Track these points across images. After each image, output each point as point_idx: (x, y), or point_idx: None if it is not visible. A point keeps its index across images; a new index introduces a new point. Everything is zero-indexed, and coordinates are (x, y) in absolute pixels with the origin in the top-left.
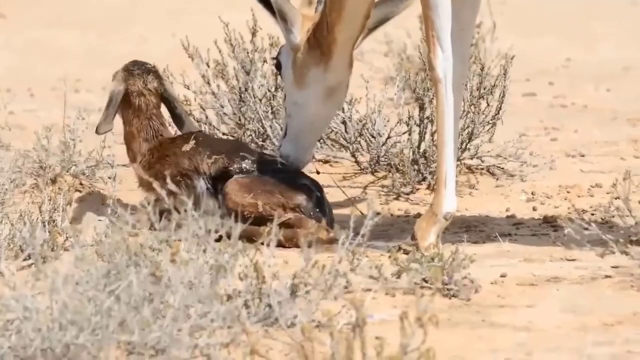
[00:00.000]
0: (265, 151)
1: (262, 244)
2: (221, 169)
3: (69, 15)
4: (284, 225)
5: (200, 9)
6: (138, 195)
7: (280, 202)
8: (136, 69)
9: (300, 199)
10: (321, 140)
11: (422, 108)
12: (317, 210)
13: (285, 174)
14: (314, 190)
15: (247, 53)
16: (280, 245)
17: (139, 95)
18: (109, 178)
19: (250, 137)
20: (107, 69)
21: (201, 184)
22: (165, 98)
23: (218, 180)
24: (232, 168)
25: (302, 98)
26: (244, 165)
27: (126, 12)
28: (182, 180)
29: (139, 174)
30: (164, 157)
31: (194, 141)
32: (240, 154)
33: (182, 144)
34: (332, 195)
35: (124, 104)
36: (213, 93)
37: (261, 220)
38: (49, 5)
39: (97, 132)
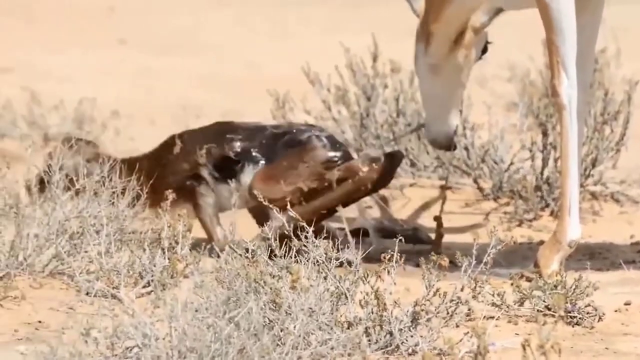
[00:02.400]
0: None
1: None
2: (218, 154)
3: (188, 42)
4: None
5: (321, 33)
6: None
7: (315, 171)
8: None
9: (326, 154)
10: (443, 166)
11: (545, 134)
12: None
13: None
14: (322, 137)
15: (368, 79)
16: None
17: None
18: None
19: None
20: (227, 94)
21: (209, 177)
22: None
23: (220, 166)
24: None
25: (434, 80)
26: (235, 145)
27: (242, 37)
28: (192, 182)
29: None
30: (160, 174)
31: (179, 142)
32: (227, 136)
33: (168, 152)
34: (454, 221)
35: None
36: (334, 119)
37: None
38: (167, 31)
39: None
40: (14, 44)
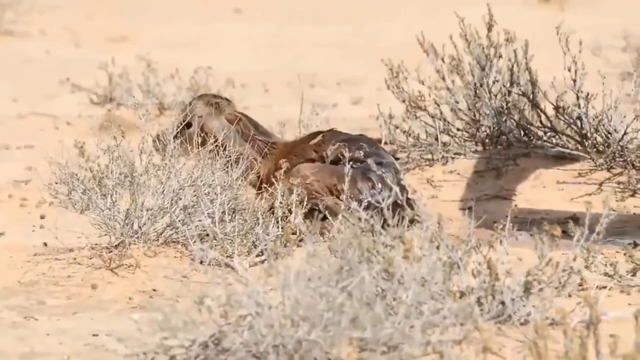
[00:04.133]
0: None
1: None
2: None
3: (302, 10)
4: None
5: (437, 3)
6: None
7: (332, 184)
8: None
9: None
10: (556, 136)
11: None
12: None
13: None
14: (380, 182)
15: (483, 48)
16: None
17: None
18: None
19: (485, 133)
20: (342, 64)
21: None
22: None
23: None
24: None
25: None
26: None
27: (360, 7)
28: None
29: None
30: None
31: (320, 137)
32: (360, 143)
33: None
34: (567, 191)
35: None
36: (448, 88)
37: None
38: (282, 0)
39: None
40: (130, 13)
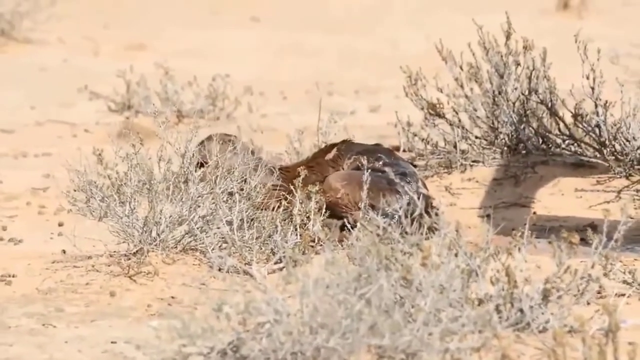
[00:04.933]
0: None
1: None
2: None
3: (320, 17)
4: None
5: (456, 11)
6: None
7: (359, 198)
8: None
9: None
10: (574, 144)
11: None
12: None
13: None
14: (404, 194)
15: (501, 56)
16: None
17: None
18: None
19: (504, 141)
20: (360, 71)
21: None
22: None
23: None
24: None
25: None
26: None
27: (377, 13)
28: None
29: None
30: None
31: (335, 150)
32: (378, 154)
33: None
34: (585, 199)
35: None
36: (466, 96)
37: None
38: (301, 8)
39: None
40: (148, 21)
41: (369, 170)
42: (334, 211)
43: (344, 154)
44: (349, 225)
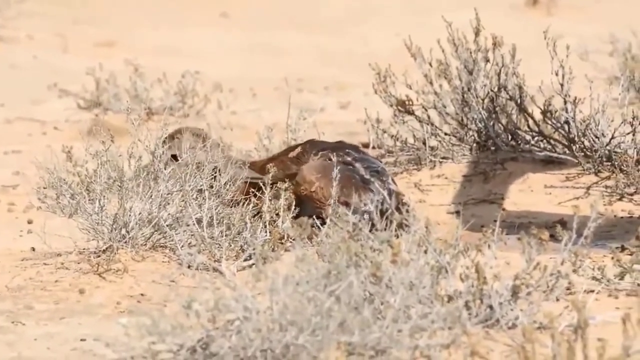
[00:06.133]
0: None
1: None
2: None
3: (290, 15)
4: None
5: (425, 8)
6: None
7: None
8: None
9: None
10: (544, 141)
11: None
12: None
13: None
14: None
15: (470, 53)
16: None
17: None
18: None
19: (473, 138)
20: (330, 68)
21: None
22: None
23: None
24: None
25: None
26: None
27: (348, 12)
28: None
29: None
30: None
31: (299, 149)
32: (346, 150)
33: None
34: (555, 195)
35: None
36: (435, 93)
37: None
38: (270, 5)
39: None
40: (118, 18)
41: (340, 166)
42: (308, 205)
43: (308, 150)
44: (317, 222)
